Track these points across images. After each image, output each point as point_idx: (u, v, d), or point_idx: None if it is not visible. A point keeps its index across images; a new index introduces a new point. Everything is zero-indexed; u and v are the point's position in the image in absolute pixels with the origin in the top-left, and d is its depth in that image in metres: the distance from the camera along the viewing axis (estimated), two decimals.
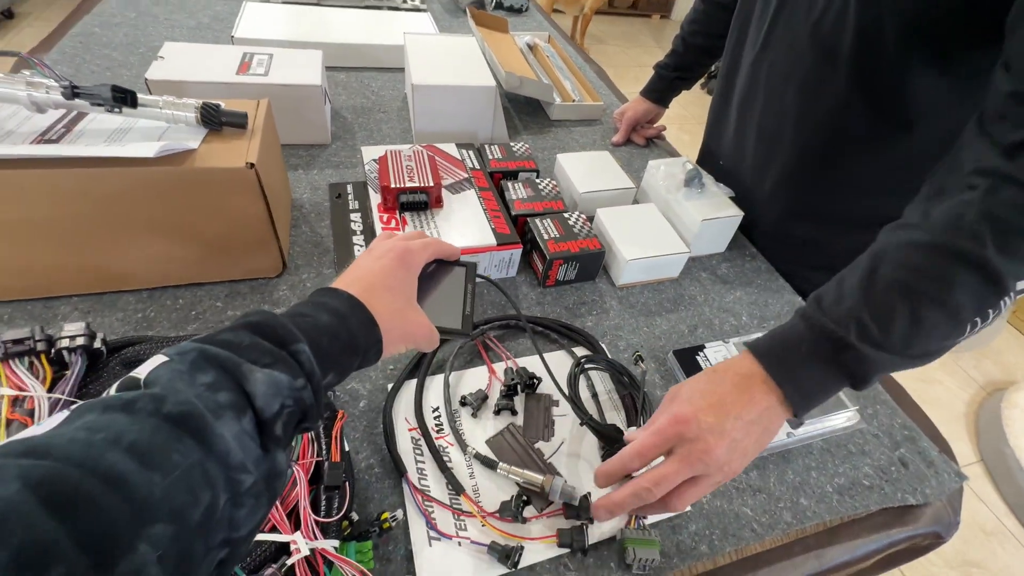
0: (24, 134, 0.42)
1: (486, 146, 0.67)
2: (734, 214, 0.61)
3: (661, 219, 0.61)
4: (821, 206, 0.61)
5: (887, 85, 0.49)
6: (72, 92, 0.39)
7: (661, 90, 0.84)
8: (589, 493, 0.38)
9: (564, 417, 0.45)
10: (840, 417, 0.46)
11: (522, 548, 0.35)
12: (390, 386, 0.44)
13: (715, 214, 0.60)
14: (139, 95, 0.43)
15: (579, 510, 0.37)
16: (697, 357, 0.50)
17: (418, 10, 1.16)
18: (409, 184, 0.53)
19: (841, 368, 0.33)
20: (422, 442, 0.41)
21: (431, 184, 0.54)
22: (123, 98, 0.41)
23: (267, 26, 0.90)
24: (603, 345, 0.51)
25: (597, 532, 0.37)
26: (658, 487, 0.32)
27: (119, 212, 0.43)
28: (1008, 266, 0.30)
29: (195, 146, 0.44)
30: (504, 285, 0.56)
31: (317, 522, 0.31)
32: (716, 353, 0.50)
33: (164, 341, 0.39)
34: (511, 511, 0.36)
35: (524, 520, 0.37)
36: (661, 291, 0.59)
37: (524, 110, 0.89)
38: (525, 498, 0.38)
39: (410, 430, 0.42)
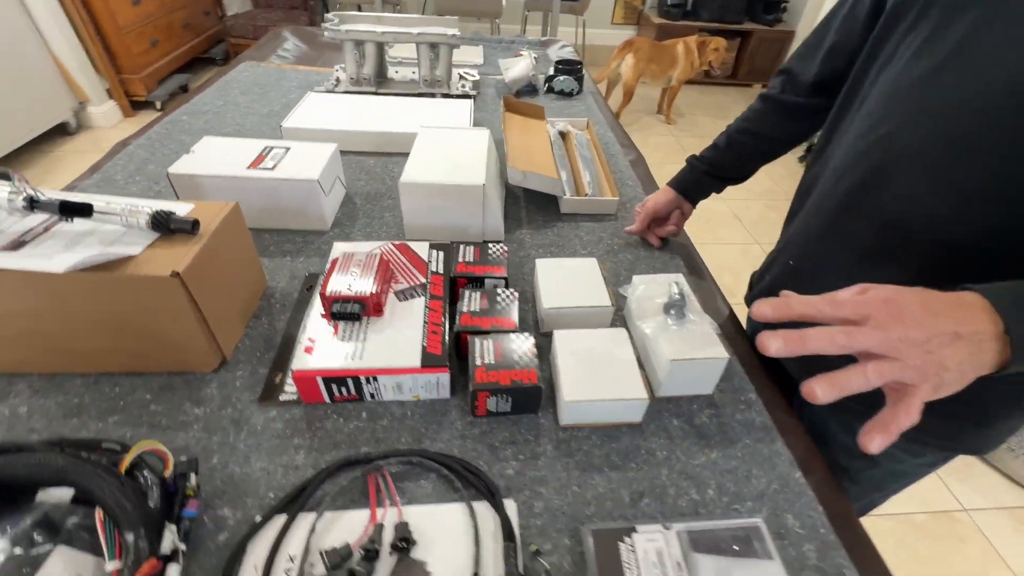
0: (8, 233, 0.48)
1: (459, 247, 0.64)
2: (716, 356, 0.50)
3: (629, 352, 0.52)
4: None
5: None
6: (31, 204, 0.44)
7: (688, 184, 0.76)
8: None
9: None
10: None
11: None
12: (259, 518, 0.41)
13: (691, 354, 0.50)
14: (96, 205, 0.47)
15: None
16: (620, 544, 0.40)
17: (466, 96, 1.21)
18: (346, 292, 0.52)
19: None
20: None
21: (369, 294, 0.52)
22: (75, 210, 0.45)
23: (317, 115, 0.99)
24: (512, 506, 0.43)
25: None
26: (847, 336, 0.30)
27: (63, 308, 0.46)
28: None
29: (137, 252, 0.47)
30: (431, 410, 0.51)
31: None
32: (649, 543, 0.40)
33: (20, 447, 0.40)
34: None
35: None
36: (614, 438, 0.50)
37: (536, 201, 0.86)
38: None
39: None
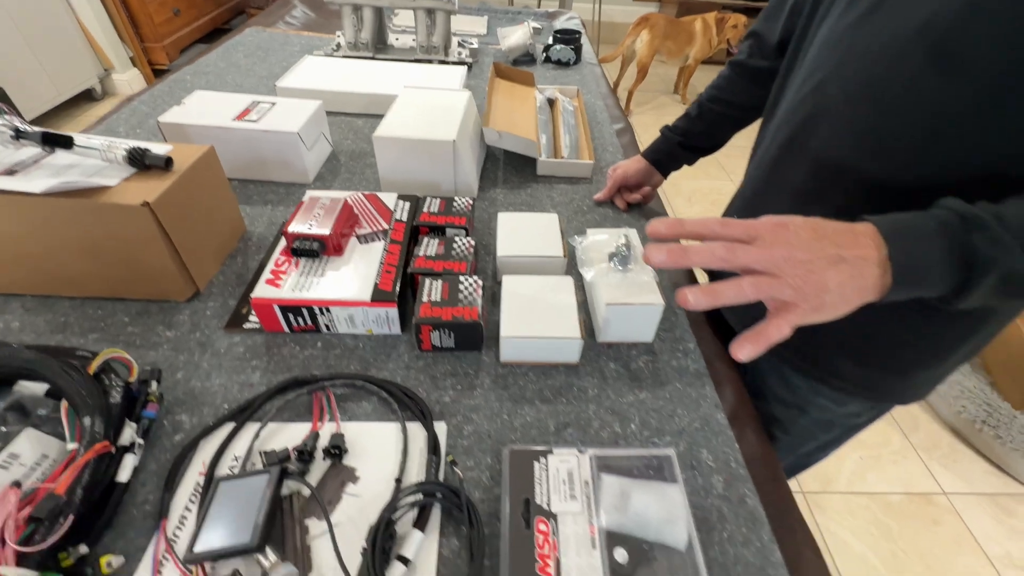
0: (1, 164, 0.52)
1: (428, 198, 0.67)
2: (652, 302, 0.52)
3: (571, 296, 0.54)
4: None
5: None
6: (17, 134, 0.48)
7: (661, 154, 0.77)
8: None
9: (356, 498, 0.42)
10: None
11: None
12: (211, 423, 0.45)
13: (627, 300, 0.52)
14: (76, 137, 0.51)
15: None
16: (536, 463, 0.43)
17: (462, 63, 1.23)
18: (306, 231, 0.56)
19: (964, 249, 0.31)
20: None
21: (327, 233, 0.56)
22: (56, 141, 0.49)
23: (312, 77, 1.02)
24: (443, 427, 0.47)
25: None
26: (728, 251, 0.32)
27: (45, 232, 0.51)
28: None
29: (113, 183, 0.51)
30: (382, 343, 0.55)
31: (22, 551, 0.33)
32: (562, 463, 0.43)
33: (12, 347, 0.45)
34: None
35: None
36: (550, 376, 0.52)
37: (515, 164, 0.88)
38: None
39: (200, 474, 0.42)
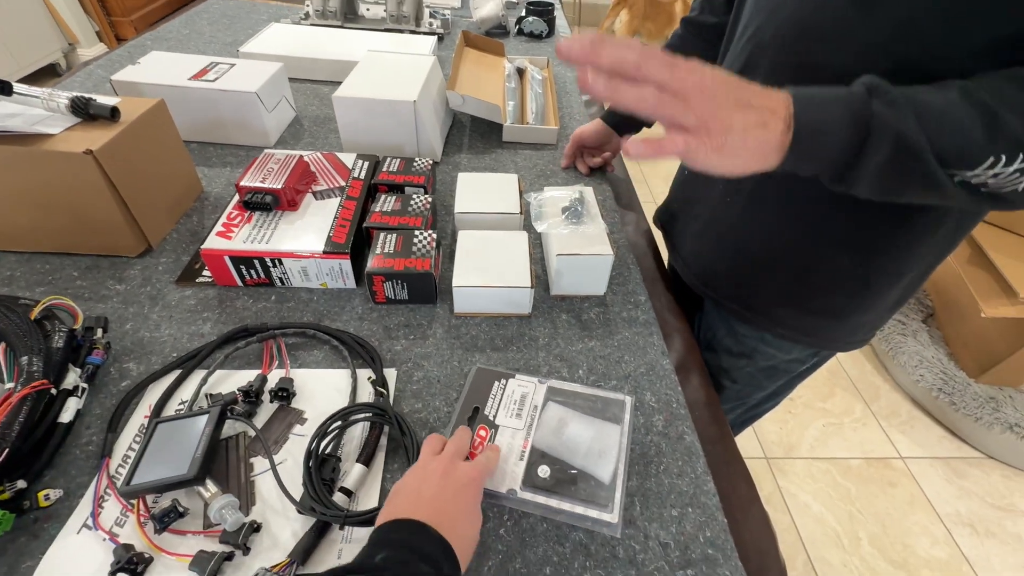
0: None
1: (388, 158, 0.67)
2: (601, 253, 0.53)
3: (523, 249, 0.55)
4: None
5: None
6: None
7: (618, 116, 0.77)
8: (256, 523, 0.35)
9: (303, 439, 0.42)
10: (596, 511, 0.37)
11: (150, 560, 0.33)
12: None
13: (575, 250, 0.53)
14: (16, 85, 0.50)
15: (233, 539, 0.34)
16: (496, 383, 0.44)
17: (433, 33, 1.21)
18: (259, 184, 0.55)
19: (864, 111, 0.31)
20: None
21: (280, 187, 0.55)
22: None
23: (276, 43, 1.00)
24: (392, 372, 0.47)
25: (242, 569, 0.34)
26: (645, 59, 0.29)
27: None
28: None
29: (55, 132, 0.50)
30: (336, 296, 0.55)
31: None
32: (519, 387, 0.44)
33: None
34: (158, 521, 0.35)
35: (160, 530, 0.35)
36: (503, 327, 0.53)
37: (481, 130, 0.88)
38: (182, 509, 0.36)
39: (145, 417, 0.42)
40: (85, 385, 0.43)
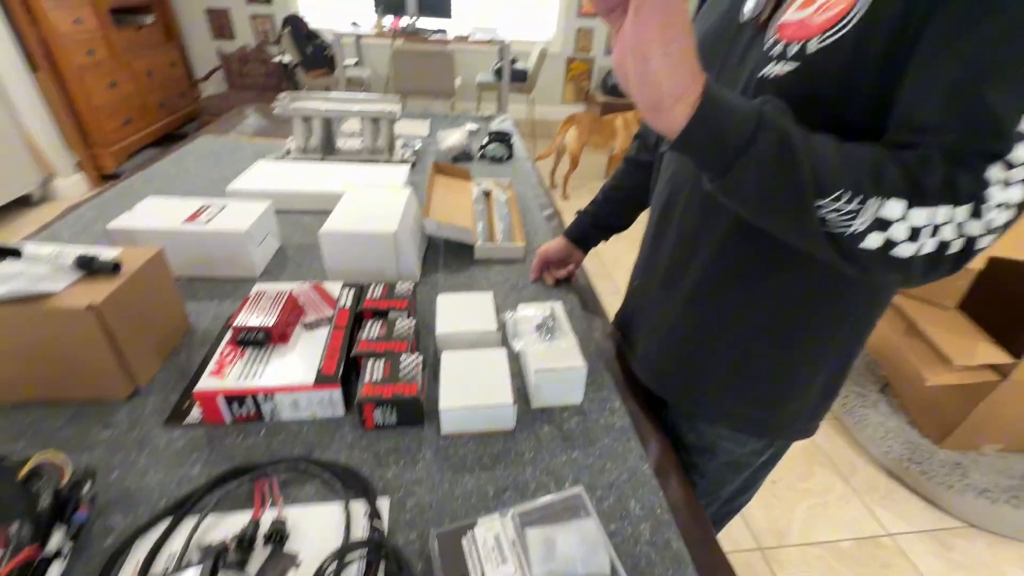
0: None
1: (370, 286, 0.73)
2: (575, 366, 0.58)
3: (504, 366, 0.60)
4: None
5: None
6: None
7: (578, 234, 0.87)
8: None
9: None
10: None
11: None
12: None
13: (553, 364, 0.58)
14: (27, 250, 0.54)
15: None
16: (463, 540, 0.45)
17: (405, 162, 1.35)
18: (252, 323, 0.59)
19: (758, 110, 0.37)
20: None
21: (272, 324, 0.59)
22: (5, 252, 0.52)
23: (261, 179, 1.09)
24: (386, 502, 0.48)
25: None
26: None
27: None
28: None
29: (59, 289, 0.53)
30: (325, 426, 0.57)
31: None
32: (488, 532, 0.45)
33: None
34: None
35: None
36: (489, 444, 0.56)
37: (455, 250, 0.96)
38: None
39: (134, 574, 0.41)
40: (70, 544, 0.42)
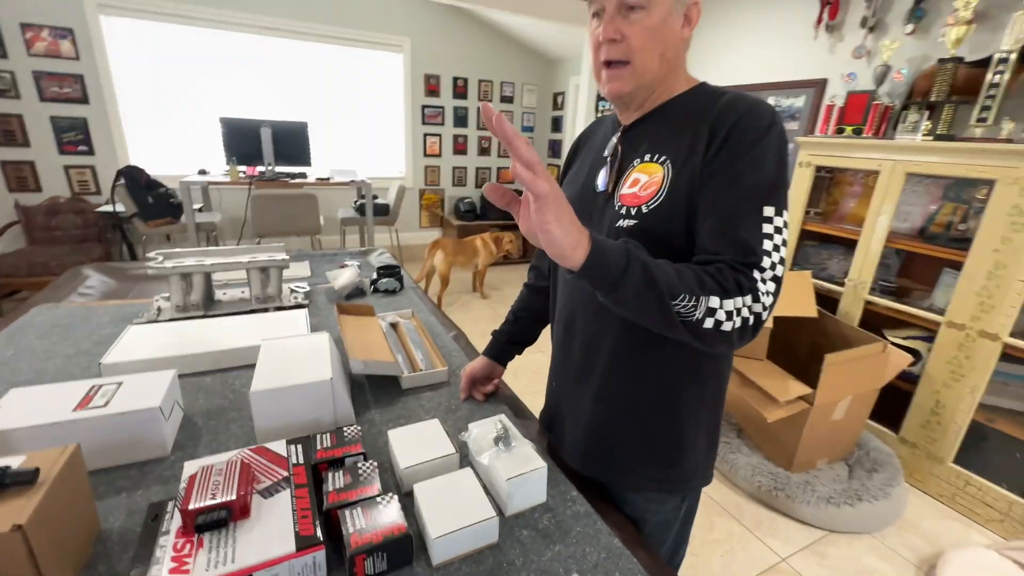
0: None
1: (316, 436, 0.72)
2: (538, 467, 0.67)
3: (475, 484, 0.65)
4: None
5: None
6: None
7: (495, 351, 0.99)
8: None
9: None
10: None
11: None
12: None
13: (520, 470, 0.65)
14: None
15: None
16: None
17: (300, 306, 1.35)
18: (209, 502, 0.55)
19: (625, 248, 0.55)
20: None
21: (234, 498, 0.56)
22: None
23: (143, 346, 1.00)
24: None
25: None
26: (534, 165, 0.49)
27: None
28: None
29: None
30: None
31: None
32: None
33: None
34: None
35: None
36: (480, 562, 0.59)
37: (380, 385, 0.99)
38: None
39: None
40: None
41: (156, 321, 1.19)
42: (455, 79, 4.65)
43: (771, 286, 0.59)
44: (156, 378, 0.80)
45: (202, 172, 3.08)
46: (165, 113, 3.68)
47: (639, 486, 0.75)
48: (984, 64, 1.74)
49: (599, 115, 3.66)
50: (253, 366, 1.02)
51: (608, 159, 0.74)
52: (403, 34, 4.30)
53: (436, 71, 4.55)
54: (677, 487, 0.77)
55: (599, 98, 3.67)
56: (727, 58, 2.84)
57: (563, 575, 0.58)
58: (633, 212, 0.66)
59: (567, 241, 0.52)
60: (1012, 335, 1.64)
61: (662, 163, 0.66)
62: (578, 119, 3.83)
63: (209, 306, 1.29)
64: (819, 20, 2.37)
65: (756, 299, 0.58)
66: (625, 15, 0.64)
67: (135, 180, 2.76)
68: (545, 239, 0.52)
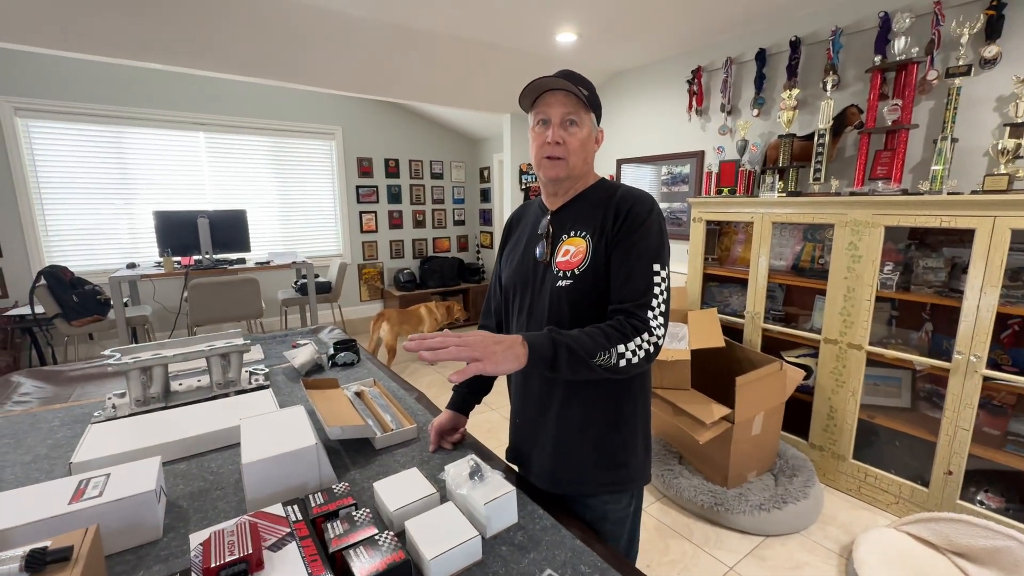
0: None
1: (309, 496, 0.81)
2: (508, 490, 0.80)
3: (457, 513, 0.77)
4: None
5: None
6: None
7: (457, 403, 1.13)
8: None
9: None
10: None
11: None
12: None
13: (495, 494, 0.79)
14: None
15: None
16: None
17: (262, 387, 1.41)
18: (230, 558, 0.63)
19: (552, 338, 0.77)
20: None
21: (251, 551, 0.65)
22: None
23: (108, 444, 1.02)
24: None
25: None
26: (445, 338, 0.72)
27: None
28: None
29: None
30: None
31: None
32: None
33: None
34: None
35: None
36: None
37: (355, 449, 1.08)
38: None
39: None
40: None
41: (115, 418, 1.20)
42: (387, 160, 4.94)
43: (660, 319, 0.83)
44: (142, 466, 0.85)
45: (131, 266, 3.00)
46: (93, 209, 3.57)
47: (596, 491, 0.92)
48: (810, 138, 2.26)
49: (522, 187, 4.06)
50: (229, 447, 1.08)
51: (542, 236, 0.95)
52: (334, 123, 4.57)
53: (368, 154, 4.83)
54: (627, 486, 0.94)
55: (521, 172, 4.08)
56: (633, 136, 3.36)
57: (539, 574, 0.71)
58: (568, 274, 0.89)
59: (512, 355, 0.75)
60: (871, 344, 2.02)
61: (584, 237, 0.89)
62: (505, 190, 4.21)
63: (168, 398, 1.31)
64: (690, 106, 2.93)
65: (651, 333, 0.81)
66: (566, 127, 0.90)
67: (59, 279, 2.64)
68: (503, 368, 0.74)
